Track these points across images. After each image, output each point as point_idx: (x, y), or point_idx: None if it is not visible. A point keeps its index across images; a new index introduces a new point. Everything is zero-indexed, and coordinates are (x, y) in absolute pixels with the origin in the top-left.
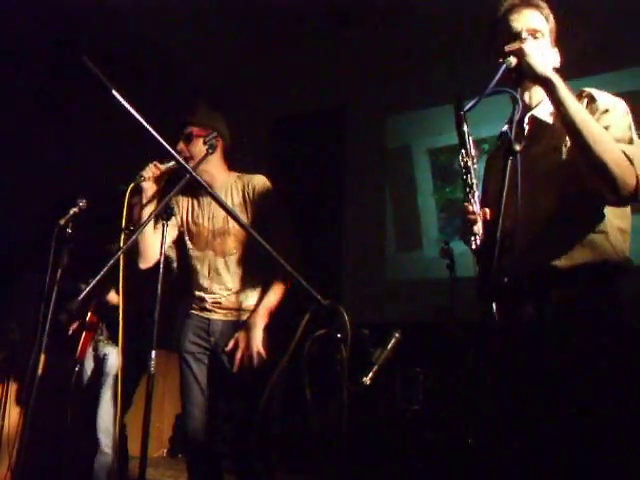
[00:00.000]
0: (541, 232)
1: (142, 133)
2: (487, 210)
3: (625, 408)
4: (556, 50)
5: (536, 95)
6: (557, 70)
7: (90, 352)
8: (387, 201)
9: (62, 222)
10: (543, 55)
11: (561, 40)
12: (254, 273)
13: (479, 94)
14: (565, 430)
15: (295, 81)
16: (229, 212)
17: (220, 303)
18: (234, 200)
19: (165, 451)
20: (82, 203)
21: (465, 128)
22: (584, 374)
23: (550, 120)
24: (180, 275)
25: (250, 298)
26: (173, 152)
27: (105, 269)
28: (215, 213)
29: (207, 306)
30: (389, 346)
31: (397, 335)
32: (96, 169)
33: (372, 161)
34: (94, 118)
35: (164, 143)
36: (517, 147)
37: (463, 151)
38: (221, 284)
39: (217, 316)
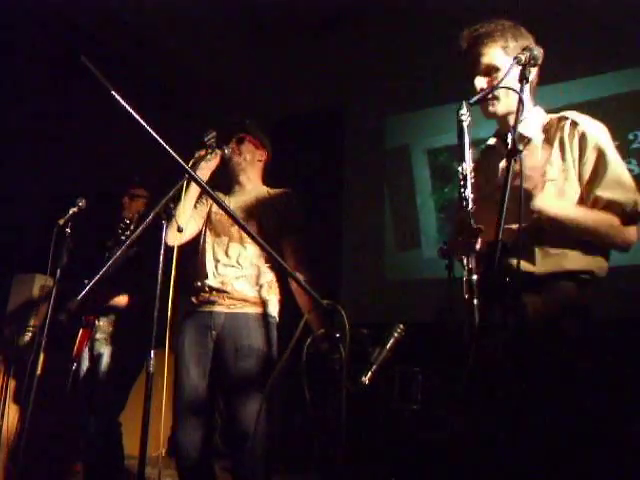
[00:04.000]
0: (518, 240)
1: (141, 133)
2: (482, 227)
3: (600, 402)
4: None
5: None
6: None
7: (86, 351)
8: (386, 201)
9: (61, 222)
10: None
11: (562, 40)
12: (267, 267)
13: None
14: (554, 428)
15: (294, 82)
16: (230, 214)
17: (227, 292)
18: (263, 201)
19: (164, 450)
20: (82, 203)
21: (466, 140)
22: (560, 373)
23: (531, 136)
24: (181, 275)
25: (254, 290)
26: (171, 152)
27: (104, 269)
28: (238, 203)
29: (211, 297)
30: (388, 345)
31: (399, 330)
32: (96, 169)
33: (371, 161)
34: (94, 118)
35: (161, 141)
36: (520, 146)
37: (464, 164)
38: (230, 267)
39: (220, 308)
